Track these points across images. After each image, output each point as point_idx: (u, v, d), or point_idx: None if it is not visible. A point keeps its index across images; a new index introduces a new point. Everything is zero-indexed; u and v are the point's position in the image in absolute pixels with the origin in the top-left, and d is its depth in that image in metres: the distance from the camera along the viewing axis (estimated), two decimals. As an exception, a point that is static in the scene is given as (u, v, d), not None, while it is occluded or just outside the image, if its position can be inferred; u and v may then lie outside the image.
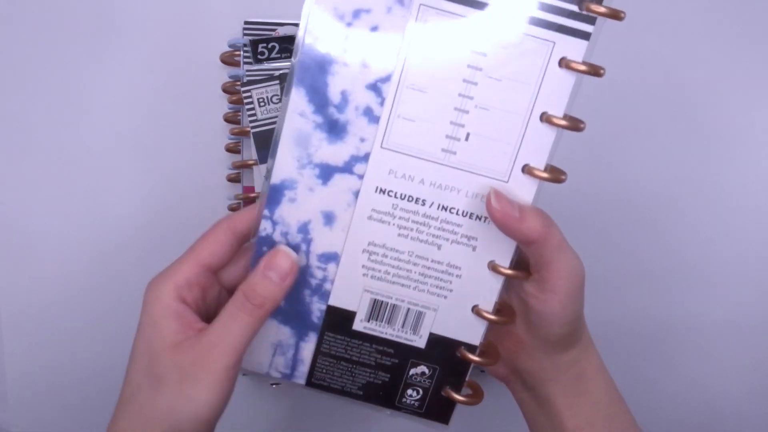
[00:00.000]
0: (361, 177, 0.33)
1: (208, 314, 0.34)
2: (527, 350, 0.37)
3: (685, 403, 0.54)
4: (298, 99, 0.32)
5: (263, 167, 0.45)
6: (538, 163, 0.33)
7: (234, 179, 0.48)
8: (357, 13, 0.31)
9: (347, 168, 0.33)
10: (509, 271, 0.35)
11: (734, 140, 0.51)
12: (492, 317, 0.35)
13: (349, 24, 0.32)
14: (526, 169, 0.33)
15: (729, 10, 0.50)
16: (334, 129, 0.33)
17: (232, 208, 0.48)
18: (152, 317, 0.33)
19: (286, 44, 0.45)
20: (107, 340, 0.50)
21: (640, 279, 0.52)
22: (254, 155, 0.45)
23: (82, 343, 0.50)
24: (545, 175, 0.33)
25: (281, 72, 0.45)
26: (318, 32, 0.32)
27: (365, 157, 0.33)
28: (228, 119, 0.47)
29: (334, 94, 0.32)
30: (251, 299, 0.32)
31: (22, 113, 0.48)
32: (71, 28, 0.47)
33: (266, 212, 0.34)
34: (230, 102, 0.47)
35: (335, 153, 0.33)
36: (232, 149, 0.48)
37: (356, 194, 0.34)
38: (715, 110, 0.51)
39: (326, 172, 0.33)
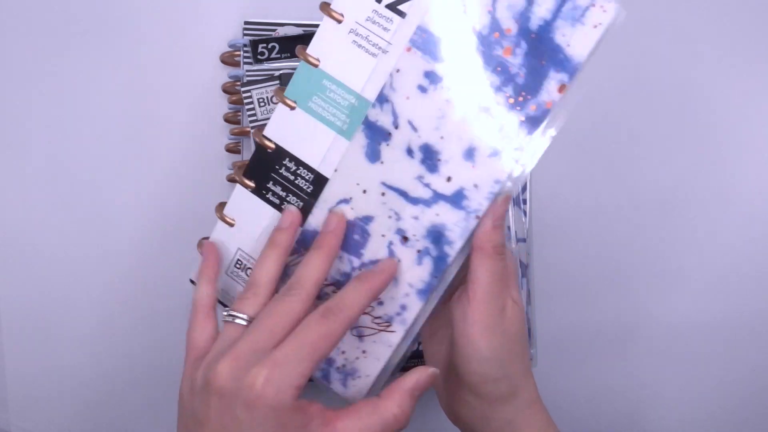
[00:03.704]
0: None
1: None
2: (462, 395, 0.36)
3: (680, 404, 0.54)
4: None
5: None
6: None
7: (234, 179, 0.48)
8: None
9: None
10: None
11: (727, 143, 0.51)
12: None
13: None
14: None
15: (730, 9, 0.50)
16: None
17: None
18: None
19: (286, 44, 0.45)
20: (107, 340, 0.50)
21: (634, 281, 0.52)
22: (254, 155, 0.45)
23: (82, 344, 0.50)
24: None
25: (281, 72, 0.45)
26: None
27: None
28: (228, 119, 0.47)
29: None
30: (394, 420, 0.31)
31: (21, 113, 0.48)
32: (71, 28, 0.47)
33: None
34: (230, 102, 0.47)
35: None
36: (232, 149, 0.48)
37: None
38: (707, 115, 0.51)
39: None
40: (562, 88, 0.32)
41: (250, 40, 0.45)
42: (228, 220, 0.37)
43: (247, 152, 0.46)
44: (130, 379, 0.49)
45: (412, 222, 0.34)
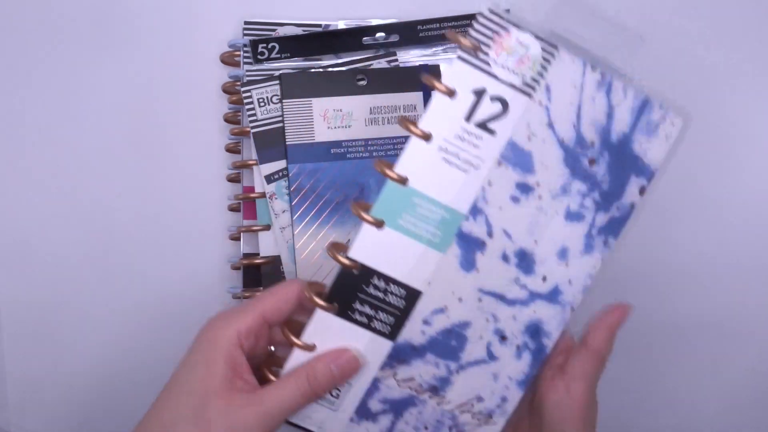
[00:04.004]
0: None
1: (253, 363, 0.35)
2: None
3: (680, 403, 0.54)
4: None
5: (263, 167, 0.45)
6: None
7: (234, 179, 0.48)
8: None
9: None
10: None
11: (732, 142, 0.51)
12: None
13: None
14: None
15: (729, 11, 0.50)
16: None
17: (232, 208, 0.48)
18: (209, 358, 0.33)
19: (286, 44, 0.46)
20: (107, 341, 0.50)
21: (641, 280, 0.52)
22: (254, 155, 0.45)
23: (82, 344, 0.50)
24: None
25: (281, 72, 0.45)
26: None
27: None
28: (228, 119, 0.47)
29: None
30: (311, 383, 0.33)
31: (22, 114, 0.48)
32: (71, 29, 0.47)
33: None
34: (230, 102, 0.47)
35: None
36: (232, 149, 0.48)
37: None
38: (712, 114, 0.51)
39: None
40: (642, 190, 0.35)
41: (250, 40, 0.45)
42: (307, 345, 0.34)
43: (247, 152, 0.46)
44: (130, 379, 0.49)
45: (509, 322, 0.35)
